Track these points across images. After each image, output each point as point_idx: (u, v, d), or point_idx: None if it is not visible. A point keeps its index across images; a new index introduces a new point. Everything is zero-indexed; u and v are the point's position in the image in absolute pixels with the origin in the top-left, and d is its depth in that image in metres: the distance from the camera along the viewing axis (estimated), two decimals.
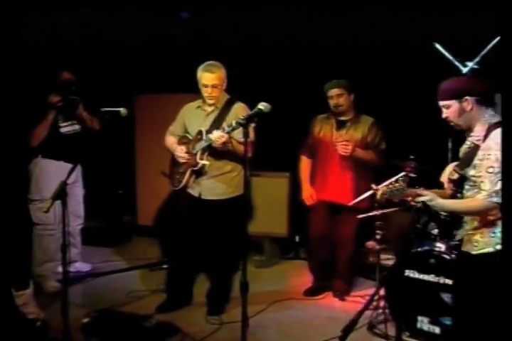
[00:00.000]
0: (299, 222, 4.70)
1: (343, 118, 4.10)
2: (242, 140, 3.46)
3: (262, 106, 2.99)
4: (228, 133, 3.38)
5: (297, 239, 5.11)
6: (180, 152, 3.69)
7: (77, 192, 4.37)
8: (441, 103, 2.76)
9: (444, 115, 2.77)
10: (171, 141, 3.86)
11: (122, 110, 3.44)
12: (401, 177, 2.79)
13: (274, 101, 3.03)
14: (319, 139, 4.12)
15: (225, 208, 3.66)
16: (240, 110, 3.62)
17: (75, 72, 4.23)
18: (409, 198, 2.73)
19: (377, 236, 3.67)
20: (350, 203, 3.84)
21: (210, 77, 3.57)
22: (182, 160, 3.69)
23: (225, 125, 3.45)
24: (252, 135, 3.57)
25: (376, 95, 4.70)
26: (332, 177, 4.05)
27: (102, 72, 5.36)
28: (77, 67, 4.30)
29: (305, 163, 4.21)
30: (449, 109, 2.73)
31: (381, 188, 2.80)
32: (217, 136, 3.37)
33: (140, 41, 5.29)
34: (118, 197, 5.71)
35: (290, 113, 5.01)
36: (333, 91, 4.03)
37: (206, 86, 3.59)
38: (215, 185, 3.66)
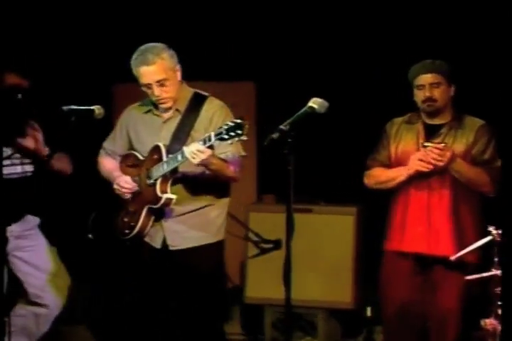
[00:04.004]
0: (373, 285, 4.71)
1: (436, 121, 4.11)
2: (228, 156, 3.55)
3: (315, 103, 3.05)
4: (210, 147, 3.40)
5: (369, 312, 5.11)
6: (125, 183, 3.69)
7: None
8: None
9: None
10: (108, 164, 3.89)
11: (97, 109, 3.53)
12: None
13: (327, 95, 3.13)
14: (398, 156, 4.12)
15: (199, 259, 3.72)
16: (216, 110, 3.67)
17: (25, 72, 4.36)
18: None
19: (499, 311, 3.66)
20: (453, 257, 3.83)
21: (148, 71, 3.60)
22: (126, 196, 3.72)
23: (202, 136, 3.45)
24: (237, 148, 3.63)
25: (484, 89, 4.74)
26: (420, 214, 4.05)
27: (64, 54, 5.53)
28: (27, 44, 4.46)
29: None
30: None
31: None
32: (194, 151, 3.39)
33: (116, 9, 5.48)
34: None
35: (352, 114, 5.09)
36: (426, 78, 4.02)
37: (149, 86, 3.63)
38: (185, 228, 3.71)
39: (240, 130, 3.22)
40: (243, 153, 3.69)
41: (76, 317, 5.25)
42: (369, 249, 4.92)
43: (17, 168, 4.26)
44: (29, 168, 4.32)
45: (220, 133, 3.27)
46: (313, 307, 4.96)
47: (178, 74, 3.68)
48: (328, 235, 4.99)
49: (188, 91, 3.76)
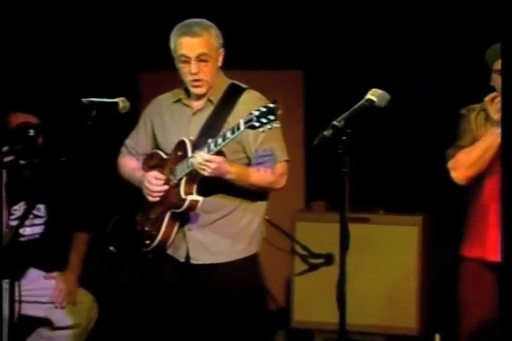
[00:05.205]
0: (442, 308, 4.69)
1: None
2: (261, 158, 3.48)
3: (374, 95, 3.03)
4: (218, 152, 3.39)
5: (438, 339, 5.07)
6: (155, 183, 3.65)
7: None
8: None
9: None
10: (129, 164, 3.87)
11: (121, 102, 3.53)
12: None
13: (386, 86, 3.09)
14: None
15: (229, 277, 3.68)
16: (255, 103, 3.55)
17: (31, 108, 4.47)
18: None
19: None
20: None
21: (191, 42, 3.58)
22: (154, 198, 3.67)
23: (226, 132, 3.41)
24: (278, 145, 3.58)
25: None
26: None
27: (85, 40, 5.64)
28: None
29: None
30: None
31: None
32: (201, 161, 3.38)
33: None
34: None
35: (416, 109, 5.09)
36: None
37: (187, 60, 3.60)
38: (211, 239, 3.69)
39: (273, 115, 3.19)
40: (287, 157, 3.65)
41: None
42: (438, 264, 4.89)
43: (26, 230, 4.36)
44: (38, 229, 4.42)
45: (250, 120, 3.24)
46: (371, 333, 4.97)
47: (220, 59, 3.67)
48: (388, 248, 4.98)
49: (225, 82, 3.74)
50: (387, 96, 3.07)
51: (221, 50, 3.67)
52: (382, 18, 5.36)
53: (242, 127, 3.29)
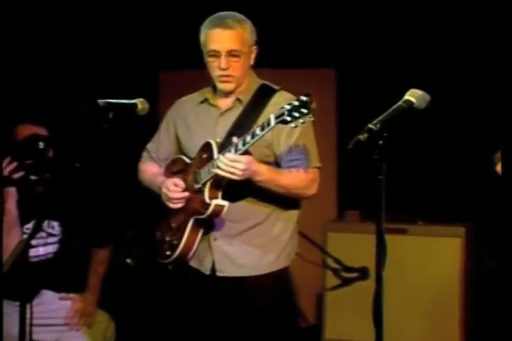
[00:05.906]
0: (487, 325, 4.68)
1: None
2: (292, 162, 3.49)
3: (413, 96, 3.01)
4: (246, 152, 3.37)
5: None
6: (173, 189, 3.65)
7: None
8: None
9: None
10: (150, 170, 3.88)
11: (140, 103, 3.52)
12: None
13: (424, 86, 3.08)
14: None
15: (260, 294, 3.68)
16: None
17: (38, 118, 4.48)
18: None
19: None
20: None
21: (222, 35, 3.58)
22: (176, 205, 3.67)
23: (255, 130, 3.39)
24: (311, 148, 3.57)
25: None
26: None
27: (102, 37, 5.69)
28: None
29: None
30: None
31: None
32: (227, 162, 3.36)
33: None
34: None
35: (458, 111, 5.09)
36: None
37: (217, 54, 3.59)
38: (239, 251, 3.70)
39: (305, 108, 3.17)
40: (319, 164, 3.63)
41: None
42: (482, 278, 4.87)
43: (39, 250, 4.38)
44: (52, 248, 4.43)
45: (282, 115, 3.21)
46: None
47: (252, 57, 3.67)
48: (429, 262, 4.97)
49: (256, 82, 3.74)
50: (427, 97, 3.04)
51: (254, 48, 3.65)
52: (417, 16, 5.36)
53: (272, 122, 3.26)
